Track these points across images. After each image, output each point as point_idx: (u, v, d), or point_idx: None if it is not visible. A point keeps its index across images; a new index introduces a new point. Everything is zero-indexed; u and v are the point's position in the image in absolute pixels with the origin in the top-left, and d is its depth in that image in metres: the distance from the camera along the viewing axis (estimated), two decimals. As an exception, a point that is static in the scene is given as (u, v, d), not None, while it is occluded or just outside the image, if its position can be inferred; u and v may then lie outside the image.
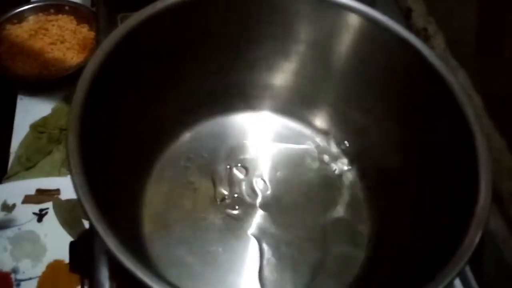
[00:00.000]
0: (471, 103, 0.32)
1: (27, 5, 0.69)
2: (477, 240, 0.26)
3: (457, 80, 0.33)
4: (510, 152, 0.42)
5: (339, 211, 0.41)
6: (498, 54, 0.49)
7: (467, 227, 0.27)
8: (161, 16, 0.34)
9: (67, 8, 0.69)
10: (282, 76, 0.44)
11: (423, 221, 0.35)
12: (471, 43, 0.53)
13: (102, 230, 0.23)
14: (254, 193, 0.42)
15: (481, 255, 0.49)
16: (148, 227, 0.38)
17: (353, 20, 0.37)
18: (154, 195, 0.41)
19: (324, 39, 0.39)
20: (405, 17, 0.57)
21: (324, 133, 0.44)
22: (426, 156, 0.36)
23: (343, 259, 0.38)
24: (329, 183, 0.43)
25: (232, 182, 0.42)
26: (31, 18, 0.68)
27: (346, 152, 0.44)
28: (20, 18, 0.68)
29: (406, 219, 0.37)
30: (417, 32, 0.54)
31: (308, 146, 0.45)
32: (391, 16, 0.37)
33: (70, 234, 0.54)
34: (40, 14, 0.69)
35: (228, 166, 0.43)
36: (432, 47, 0.52)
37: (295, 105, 0.45)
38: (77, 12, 0.69)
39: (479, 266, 0.50)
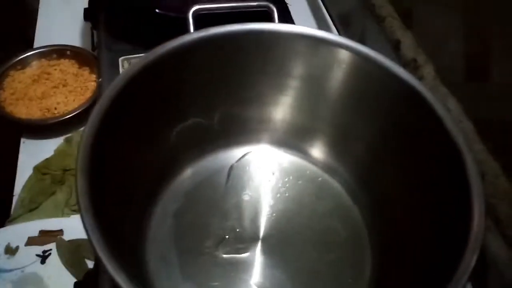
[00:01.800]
0: (459, 129, 0.34)
1: (31, 51, 0.72)
2: (472, 264, 0.27)
3: (445, 106, 0.34)
4: (504, 174, 0.43)
5: (342, 245, 0.42)
6: (487, 79, 0.51)
7: (463, 252, 0.27)
8: (161, 61, 0.35)
9: (68, 52, 0.72)
10: (279, 110, 0.45)
11: (421, 251, 0.36)
12: (461, 71, 0.55)
13: (112, 268, 0.24)
14: (256, 226, 0.42)
15: (485, 278, 0.49)
16: (153, 262, 0.39)
17: (344, 55, 0.39)
18: (158, 230, 0.41)
19: (317, 74, 0.41)
20: (394, 49, 0.59)
21: (324, 165, 0.46)
22: (420, 185, 0.37)
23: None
24: (329, 216, 0.44)
25: (234, 217, 0.43)
26: (34, 63, 0.71)
27: (345, 184, 0.45)
28: (24, 64, 0.70)
29: (405, 252, 0.38)
30: (406, 63, 0.56)
31: (307, 178, 0.46)
32: (381, 49, 0.39)
33: (74, 274, 0.54)
34: (43, 59, 0.71)
35: (230, 201, 0.44)
36: (422, 77, 0.54)
37: (294, 138, 0.46)
38: (78, 56, 0.72)
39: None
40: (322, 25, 0.80)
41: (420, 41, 0.58)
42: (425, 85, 0.46)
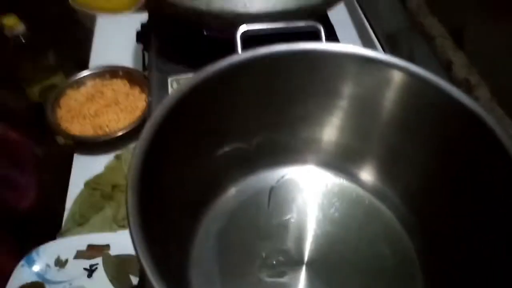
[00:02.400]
0: None
1: (86, 72, 0.76)
2: None
3: (508, 133, 0.32)
4: None
5: (390, 273, 0.40)
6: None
7: None
8: (210, 81, 0.36)
9: (120, 73, 0.75)
10: (326, 130, 0.44)
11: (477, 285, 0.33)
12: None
13: (158, 286, 0.24)
14: (301, 249, 0.41)
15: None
16: (196, 282, 0.38)
17: (395, 75, 0.38)
18: (202, 250, 0.41)
19: (366, 94, 0.40)
20: (446, 69, 0.57)
21: (372, 188, 0.44)
22: (477, 217, 0.34)
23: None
24: (378, 241, 0.42)
25: (278, 238, 0.42)
26: (89, 83, 0.74)
27: (395, 209, 0.43)
28: (79, 83, 0.74)
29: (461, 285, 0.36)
30: (459, 84, 0.54)
31: (354, 202, 0.45)
32: (431, 70, 0.38)
33: (118, 289, 0.55)
34: (97, 79, 0.75)
35: (274, 222, 0.43)
36: (476, 98, 0.52)
37: (340, 159, 0.45)
38: (129, 76, 0.75)
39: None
40: (368, 45, 0.79)
41: (473, 61, 0.56)
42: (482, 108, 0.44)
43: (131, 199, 0.27)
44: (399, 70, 0.37)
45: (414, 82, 0.37)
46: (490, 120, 0.33)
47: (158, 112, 0.33)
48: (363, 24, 0.83)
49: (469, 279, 0.35)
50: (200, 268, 0.40)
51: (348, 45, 0.38)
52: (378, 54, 0.38)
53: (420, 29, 0.64)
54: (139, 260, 0.25)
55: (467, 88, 0.53)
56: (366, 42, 0.80)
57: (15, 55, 0.72)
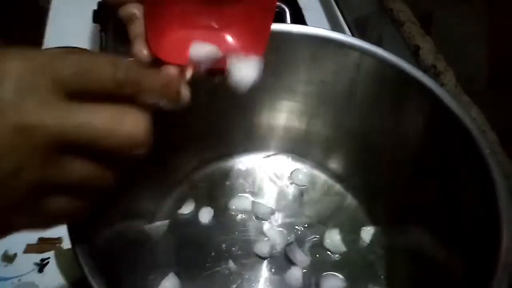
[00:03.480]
0: (485, 138, 0.30)
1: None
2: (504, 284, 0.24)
3: (471, 116, 0.31)
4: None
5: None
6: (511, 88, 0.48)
7: (494, 271, 0.24)
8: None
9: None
10: (288, 116, 0.42)
11: (448, 269, 0.33)
12: (483, 79, 0.52)
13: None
14: (262, 240, 0.40)
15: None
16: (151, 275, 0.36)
17: (358, 58, 0.36)
18: (158, 244, 0.39)
19: (330, 78, 0.38)
20: (413, 55, 0.57)
21: (338, 175, 0.43)
22: (442, 198, 0.33)
23: None
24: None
25: (239, 229, 0.40)
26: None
27: (357, 194, 0.42)
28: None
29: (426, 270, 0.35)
30: (426, 69, 0.53)
31: (318, 188, 0.43)
32: (398, 55, 0.36)
33: (71, 284, 0.52)
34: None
35: (234, 212, 0.41)
36: (442, 84, 0.51)
37: (303, 145, 0.43)
38: (86, 59, 0.70)
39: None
40: (337, 30, 0.77)
41: (440, 47, 0.55)
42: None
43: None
44: (361, 52, 0.35)
45: (378, 65, 0.35)
46: (454, 106, 0.32)
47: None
48: (332, 8, 0.81)
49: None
50: (154, 262, 0.38)
51: (310, 27, 0.36)
52: (337, 35, 0.36)
53: (389, 14, 0.63)
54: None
55: (434, 74, 0.53)
56: (335, 27, 0.78)
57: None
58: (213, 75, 0.29)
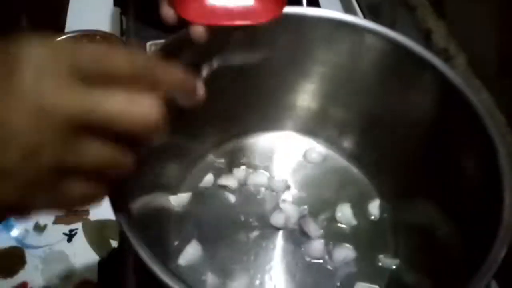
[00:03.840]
0: (491, 118, 0.32)
1: (62, 36, 0.73)
2: (501, 255, 0.26)
3: (478, 97, 0.33)
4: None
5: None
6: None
7: (492, 243, 0.27)
8: (183, 43, 0.35)
9: (98, 37, 0.73)
10: (303, 96, 0.45)
11: (450, 242, 0.35)
12: (494, 63, 0.53)
13: (136, 243, 0.25)
14: (277, 212, 0.42)
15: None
16: (173, 242, 0.39)
17: (372, 40, 0.38)
18: (181, 214, 0.42)
19: (345, 60, 0.40)
20: (425, 38, 0.58)
21: (348, 153, 0.45)
22: (449, 175, 0.36)
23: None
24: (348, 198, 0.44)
25: (255, 202, 0.43)
26: (65, 47, 0.72)
27: (367, 172, 0.44)
28: (55, 48, 0.72)
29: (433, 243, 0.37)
30: (437, 53, 0.54)
31: (330, 166, 0.46)
32: (412, 39, 0.38)
33: (98, 253, 0.55)
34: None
35: (251, 187, 0.44)
36: (453, 67, 0.52)
37: (317, 125, 0.46)
38: (107, 41, 0.73)
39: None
40: (350, 14, 0.78)
41: (453, 31, 0.56)
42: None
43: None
44: (375, 35, 0.37)
45: (391, 48, 0.37)
46: (463, 86, 0.34)
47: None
48: (347, -7, 0.82)
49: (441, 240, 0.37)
50: (178, 230, 0.41)
51: (326, 10, 0.38)
52: (350, 17, 0.38)
53: (402, -2, 0.64)
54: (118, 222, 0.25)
55: (446, 58, 0.54)
56: (349, 11, 0.79)
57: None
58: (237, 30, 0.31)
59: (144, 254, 0.24)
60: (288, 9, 0.36)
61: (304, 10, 0.39)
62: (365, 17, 0.76)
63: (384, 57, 0.38)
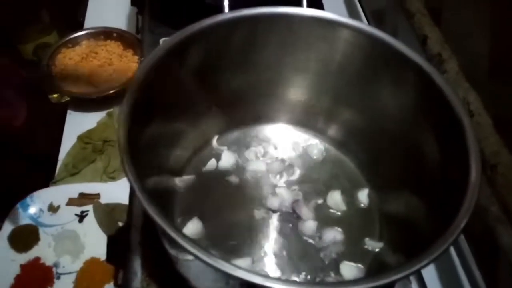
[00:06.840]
0: (459, 99, 0.36)
1: (81, 31, 0.78)
2: (470, 210, 0.30)
3: (446, 80, 0.37)
4: (516, 166, 0.44)
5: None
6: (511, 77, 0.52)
7: (462, 201, 0.30)
8: (194, 37, 0.39)
9: (115, 35, 0.78)
10: (296, 90, 0.48)
11: (425, 228, 0.38)
12: (484, 68, 0.56)
13: (146, 203, 0.28)
14: (272, 199, 0.46)
15: (496, 268, 0.51)
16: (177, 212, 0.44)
17: (356, 38, 0.41)
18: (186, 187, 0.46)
19: (337, 58, 0.44)
20: (422, 44, 0.61)
21: (337, 142, 0.49)
22: (423, 166, 0.39)
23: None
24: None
25: (253, 185, 0.46)
26: (84, 43, 0.77)
27: (357, 162, 0.48)
28: (74, 43, 0.77)
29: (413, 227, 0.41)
30: (431, 57, 0.57)
31: (321, 154, 0.49)
32: (410, 44, 0.41)
33: (107, 234, 0.59)
34: (92, 39, 0.77)
35: (249, 174, 0.48)
36: (445, 71, 0.55)
37: (309, 117, 0.49)
38: (123, 39, 0.77)
39: (494, 282, 0.51)
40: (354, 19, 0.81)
41: (447, 37, 0.59)
42: (448, 79, 0.48)
43: (122, 134, 0.31)
44: (355, 31, 0.41)
45: (374, 45, 0.41)
46: (432, 71, 0.38)
47: (143, 66, 0.36)
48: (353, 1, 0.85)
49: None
50: (182, 208, 0.44)
51: (317, 10, 0.42)
52: (340, 17, 0.42)
53: (402, 5, 0.67)
54: (132, 189, 0.29)
55: (439, 62, 0.57)
56: (353, 17, 0.83)
57: (6, 12, 0.74)
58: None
59: (152, 211, 0.28)
60: (286, 9, 0.41)
61: (299, 10, 0.42)
62: (368, 22, 0.80)
63: (369, 55, 0.42)
